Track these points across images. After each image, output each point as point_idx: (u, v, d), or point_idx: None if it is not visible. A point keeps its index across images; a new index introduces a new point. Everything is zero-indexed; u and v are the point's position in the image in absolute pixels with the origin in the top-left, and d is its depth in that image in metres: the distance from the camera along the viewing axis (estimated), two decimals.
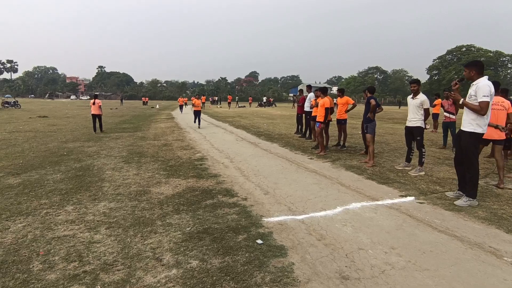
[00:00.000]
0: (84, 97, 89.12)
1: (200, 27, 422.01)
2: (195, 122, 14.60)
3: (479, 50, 60.94)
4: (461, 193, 4.33)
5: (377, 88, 78.72)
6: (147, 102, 50.20)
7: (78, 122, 16.35)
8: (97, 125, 12.11)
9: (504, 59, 61.80)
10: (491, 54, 60.64)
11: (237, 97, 47.65)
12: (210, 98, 51.55)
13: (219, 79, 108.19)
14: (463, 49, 62.33)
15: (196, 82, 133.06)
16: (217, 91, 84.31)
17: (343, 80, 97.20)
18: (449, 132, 8.89)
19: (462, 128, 4.19)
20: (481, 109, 3.92)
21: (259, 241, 3.06)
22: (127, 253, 2.86)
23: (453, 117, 8.61)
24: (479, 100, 3.93)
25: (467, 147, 4.13)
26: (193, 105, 15.03)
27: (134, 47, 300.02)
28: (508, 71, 64.15)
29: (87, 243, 3.06)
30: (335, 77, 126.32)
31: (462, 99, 4.12)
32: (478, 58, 57.20)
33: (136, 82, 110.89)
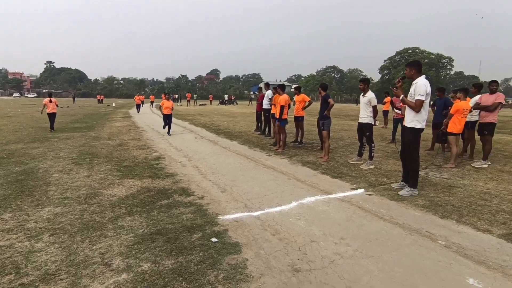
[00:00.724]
0: (31, 95, 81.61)
1: (159, 25, 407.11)
2: (164, 128, 11.27)
3: (423, 52, 66.04)
4: (404, 183, 4.68)
5: (334, 87, 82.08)
6: (102, 100, 47.37)
7: (22, 122, 14.96)
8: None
9: (444, 60, 67.62)
10: (433, 56, 66.04)
11: (195, 95, 46.50)
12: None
13: (179, 76, 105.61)
14: (410, 51, 67.13)
15: (155, 79, 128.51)
16: (178, 89, 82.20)
17: (302, 78, 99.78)
18: (399, 128, 9.51)
19: (405, 124, 4.53)
20: (415, 107, 4.26)
21: (214, 240, 3.05)
22: (73, 261, 2.70)
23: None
24: (415, 98, 4.27)
25: (409, 141, 4.47)
26: (161, 107, 11.36)
27: (88, 42, 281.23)
28: (448, 72, 70.33)
29: (26, 253, 2.83)
30: (295, 75, 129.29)
31: (402, 96, 4.45)
32: (422, 60, 62.10)
33: (90, 79, 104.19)
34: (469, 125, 6.76)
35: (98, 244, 3.00)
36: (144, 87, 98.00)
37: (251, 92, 61.05)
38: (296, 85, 8.74)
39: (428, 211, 3.87)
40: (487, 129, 6.40)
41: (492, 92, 6.46)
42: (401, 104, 9.02)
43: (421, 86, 4.25)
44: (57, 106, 11.91)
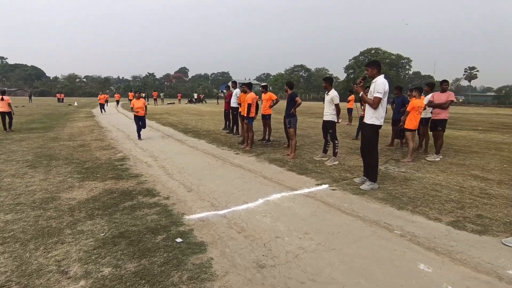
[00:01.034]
0: None
1: (125, 22, 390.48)
2: (139, 134, 9.44)
3: (384, 53, 69.36)
4: (365, 178, 4.90)
5: (302, 85, 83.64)
6: (63, 99, 44.63)
7: None
8: (7, 123, 11.14)
9: (403, 61, 71.55)
10: (394, 57, 69.62)
11: (161, 94, 45.03)
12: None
13: (146, 74, 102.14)
14: (372, 51, 70.17)
15: (121, 77, 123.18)
16: (145, 88, 79.52)
17: (271, 77, 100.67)
18: None
19: (364, 120, 4.74)
20: (373, 103, 4.49)
21: (179, 240, 3.02)
22: (25, 270, 2.54)
23: None
24: (374, 95, 4.49)
25: (368, 138, 4.69)
26: (132, 108, 9.55)
27: (46, 38, 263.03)
28: (407, 72, 74.54)
29: None
30: (264, 74, 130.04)
31: (361, 93, 4.67)
32: (384, 60, 65.24)
33: (49, 77, 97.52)
34: (423, 122, 7.22)
35: (54, 251, 2.85)
36: (109, 86, 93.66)
37: (220, 91, 60.50)
38: (263, 84, 8.81)
39: (386, 203, 4.09)
40: (440, 125, 6.87)
41: (443, 90, 6.95)
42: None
43: (380, 84, 4.48)
44: (9, 104, 11.04)
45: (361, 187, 4.69)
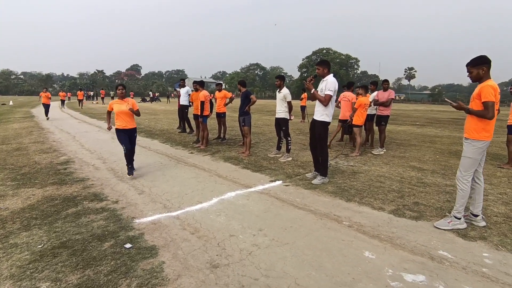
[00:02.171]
0: None
1: (69, 17, 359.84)
2: (130, 167, 5.31)
3: (335, 53, 72.79)
4: (316, 173, 5.11)
5: (257, 83, 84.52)
6: None
7: None
8: None
9: (351, 61, 75.81)
10: (343, 57, 73.40)
11: (111, 92, 42.24)
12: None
13: (95, 71, 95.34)
14: (324, 51, 73.23)
15: (65, 74, 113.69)
16: (93, 85, 74.25)
17: (227, 75, 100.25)
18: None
19: (315, 117, 4.92)
20: (324, 100, 4.69)
21: (128, 245, 2.88)
22: None
23: None
24: (325, 92, 4.69)
25: (319, 134, 4.89)
26: (110, 116, 5.54)
27: None
28: (355, 71, 79.16)
29: None
30: (220, 72, 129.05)
31: (313, 90, 4.83)
32: (334, 59, 68.38)
33: None
34: (369, 118, 7.72)
35: None
36: (52, 83, 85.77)
37: (174, 89, 58.57)
38: (218, 82, 8.73)
39: (336, 196, 4.31)
40: (384, 121, 7.40)
41: (385, 89, 7.49)
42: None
43: (331, 83, 4.68)
44: None
45: (313, 181, 4.88)
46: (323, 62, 4.92)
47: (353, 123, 7.15)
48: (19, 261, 2.65)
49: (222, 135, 8.76)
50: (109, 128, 5.47)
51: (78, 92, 27.05)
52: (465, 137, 3.33)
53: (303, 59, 76.22)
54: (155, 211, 3.73)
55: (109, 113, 5.44)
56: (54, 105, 28.08)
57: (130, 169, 5.27)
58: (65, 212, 3.69)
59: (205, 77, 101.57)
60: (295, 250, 2.91)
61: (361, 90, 7.25)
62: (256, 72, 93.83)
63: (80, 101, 25.88)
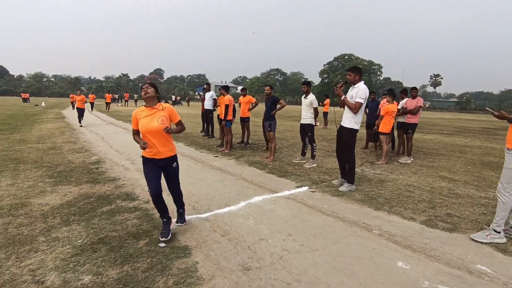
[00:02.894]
0: None
1: (95, 21, 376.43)
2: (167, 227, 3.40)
3: (357, 59, 71.85)
4: (343, 180, 5.06)
5: (277, 89, 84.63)
6: (28, 99, 42.22)
7: None
8: None
9: (374, 67, 74.43)
10: (366, 63, 72.23)
11: (135, 95, 43.54)
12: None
13: (120, 75, 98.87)
14: (346, 57, 72.53)
15: (92, 77, 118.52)
16: (118, 88, 76.99)
17: (247, 80, 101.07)
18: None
19: (343, 124, 4.88)
20: (354, 108, 4.65)
21: (162, 244, 2.97)
22: None
23: None
24: (356, 100, 4.64)
25: (347, 141, 4.85)
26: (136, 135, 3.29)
27: (9, 33, 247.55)
28: (378, 78, 77.56)
29: None
30: (240, 77, 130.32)
31: (343, 96, 4.79)
32: (357, 65, 67.47)
33: (13, 75, 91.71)
34: (398, 125, 7.57)
35: (28, 260, 2.70)
36: (80, 86, 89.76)
37: (197, 93, 59.69)
38: (242, 87, 8.86)
39: (364, 204, 4.25)
40: (411, 129, 7.23)
41: (414, 97, 7.34)
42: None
43: (363, 90, 4.62)
44: None
45: (340, 189, 4.83)
46: (355, 68, 4.87)
47: (379, 130, 7.03)
48: (62, 254, 2.80)
49: (245, 140, 8.84)
50: (143, 147, 2.96)
51: (106, 94, 27.79)
52: (508, 148, 3.20)
53: (325, 65, 75.82)
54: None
55: (137, 132, 3.13)
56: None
57: (166, 227, 3.15)
58: (100, 210, 3.85)
59: (226, 82, 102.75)
60: (326, 256, 2.90)
61: (389, 97, 7.13)
62: (277, 77, 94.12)
63: (108, 104, 26.50)
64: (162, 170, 3.24)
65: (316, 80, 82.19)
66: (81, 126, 13.09)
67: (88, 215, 3.68)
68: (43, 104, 33.90)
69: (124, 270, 2.55)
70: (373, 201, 4.37)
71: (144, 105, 3.15)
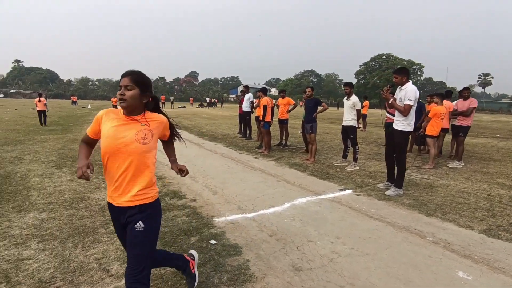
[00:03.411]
0: None
1: (132, 24, 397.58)
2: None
3: (395, 59, 68.58)
4: (389, 184, 4.87)
5: None
6: (76, 101, 45.57)
7: None
8: (43, 119, 14.03)
9: (415, 67, 70.63)
10: (405, 63, 68.77)
11: (171, 97, 45.21)
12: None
13: (157, 78, 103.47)
14: (383, 57, 69.58)
15: None
16: (155, 91, 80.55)
17: (281, 82, 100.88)
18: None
19: (395, 126, 4.67)
20: (404, 110, 4.45)
21: (213, 242, 3.05)
22: (67, 267, 2.60)
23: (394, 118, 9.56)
24: (405, 102, 4.45)
25: (399, 143, 4.63)
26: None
27: (60, 41, 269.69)
28: (419, 78, 73.49)
29: (15, 261, 2.69)
30: (274, 79, 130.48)
31: (391, 99, 4.63)
32: (396, 66, 64.35)
33: (63, 80, 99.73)
34: (451, 128, 7.13)
35: (92, 250, 2.91)
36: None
37: (235, 95, 60.76)
38: (281, 89, 8.91)
39: (414, 210, 4.06)
40: (462, 132, 6.79)
41: (465, 98, 6.88)
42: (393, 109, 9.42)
43: (411, 92, 4.42)
44: (45, 104, 14.15)
45: (386, 193, 4.66)
46: (401, 69, 4.66)
47: (426, 133, 6.68)
48: (121, 246, 2.97)
49: (284, 142, 8.83)
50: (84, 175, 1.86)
51: (162, 96, 28.92)
52: None
53: (361, 66, 73.55)
54: (231, 212, 3.90)
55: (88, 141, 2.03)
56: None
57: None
58: None
59: (259, 84, 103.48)
60: (378, 261, 2.80)
61: (437, 98, 6.76)
62: (311, 79, 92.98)
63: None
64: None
65: (351, 80, 79.98)
66: None
67: None
68: (89, 106, 36.40)
69: None
70: (423, 207, 4.16)
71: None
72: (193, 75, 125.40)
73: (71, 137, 10.43)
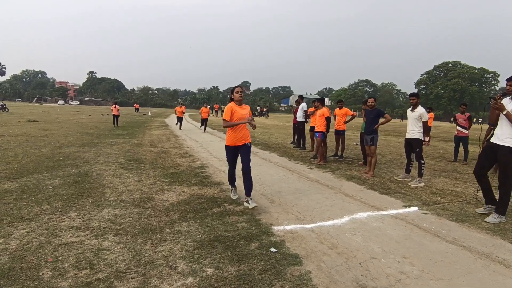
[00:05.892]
0: (74, 102, 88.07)
1: (189, 34, 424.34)
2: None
3: (464, 67, 62.75)
4: (491, 206, 4.29)
5: None
6: (138, 109, 49.77)
7: (70, 127, 16.05)
8: (116, 122, 18.13)
9: (488, 75, 63.70)
10: (476, 71, 62.49)
11: (222, 106, 46.92)
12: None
13: (211, 87, 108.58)
14: (449, 65, 64.12)
15: (187, 90, 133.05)
16: (209, 100, 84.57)
17: (333, 92, 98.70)
18: (460, 147, 8.98)
19: (501, 143, 4.04)
20: None
21: (273, 250, 3.05)
22: (139, 261, 2.81)
23: (466, 131, 8.79)
24: None
25: (505, 162, 4.03)
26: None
27: (125, 52, 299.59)
28: (492, 87, 66.03)
29: (96, 250, 2.99)
30: (326, 88, 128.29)
31: (506, 110, 3.99)
32: (463, 74, 58.85)
33: (127, 89, 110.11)
34: None
35: (160, 247, 3.10)
36: (177, 97, 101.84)
37: (290, 105, 61.07)
38: (339, 99, 8.72)
39: (495, 235, 3.61)
40: None
41: None
42: (465, 122, 8.60)
43: None
44: (118, 110, 18.36)
45: (487, 219, 4.08)
46: None
47: None
48: (186, 246, 3.13)
49: (339, 153, 8.58)
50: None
51: (203, 108, 29.46)
52: None
53: (422, 75, 68.89)
54: (289, 221, 3.87)
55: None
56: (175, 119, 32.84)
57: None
58: (211, 211, 4.19)
59: (311, 94, 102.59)
60: None
61: None
62: (365, 88, 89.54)
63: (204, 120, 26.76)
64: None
65: (411, 90, 75.16)
66: (180, 129, 17.60)
67: (201, 214, 4.05)
68: (149, 113, 39.43)
69: (241, 269, 2.70)
70: (507, 233, 3.68)
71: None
72: (245, 84, 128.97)
73: (136, 142, 11.36)
